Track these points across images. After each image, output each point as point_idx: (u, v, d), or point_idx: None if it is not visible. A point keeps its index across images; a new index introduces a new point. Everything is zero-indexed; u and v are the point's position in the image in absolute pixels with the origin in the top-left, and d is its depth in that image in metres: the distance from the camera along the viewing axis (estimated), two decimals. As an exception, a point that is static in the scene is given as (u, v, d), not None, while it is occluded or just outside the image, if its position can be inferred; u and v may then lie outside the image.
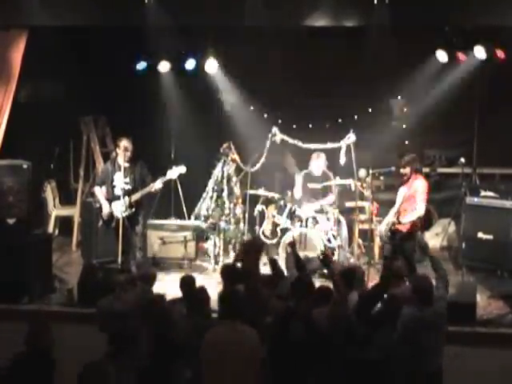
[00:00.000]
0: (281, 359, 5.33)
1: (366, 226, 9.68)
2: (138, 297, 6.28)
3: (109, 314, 6.05)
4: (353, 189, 9.42)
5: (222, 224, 9.70)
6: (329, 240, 9.26)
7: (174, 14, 8.81)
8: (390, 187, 10.01)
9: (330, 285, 8.42)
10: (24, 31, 9.20)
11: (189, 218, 10.17)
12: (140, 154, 9.00)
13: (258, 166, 9.61)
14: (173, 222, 10.13)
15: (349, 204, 9.82)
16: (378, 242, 9.86)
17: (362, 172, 9.51)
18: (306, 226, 9.30)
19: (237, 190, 9.88)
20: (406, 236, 8.19)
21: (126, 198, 8.71)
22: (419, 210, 8.16)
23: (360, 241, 9.90)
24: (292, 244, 7.25)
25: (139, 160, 8.94)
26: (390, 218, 8.36)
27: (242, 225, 9.82)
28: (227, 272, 6.46)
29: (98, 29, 9.35)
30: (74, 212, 10.79)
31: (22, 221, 8.86)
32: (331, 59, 10.12)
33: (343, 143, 9.31)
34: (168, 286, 8.14)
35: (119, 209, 8.72)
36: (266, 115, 10.84)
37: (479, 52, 9.58)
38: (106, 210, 8.79)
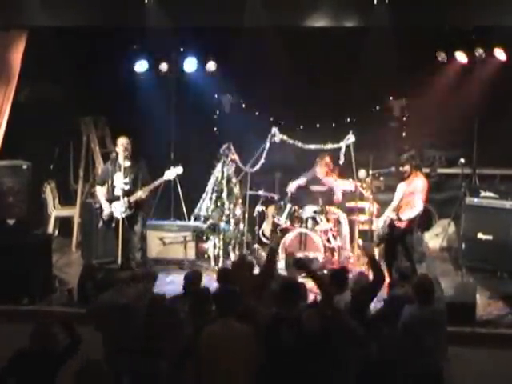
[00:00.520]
0: (276, 368, 5.30)
1: (366, 227, 9.68)
2: (139, 293, 6.27)
3: (111, 307, 6.03)
4: (353, 189, 9.43)
5: (222, 224, 9.69)
6: (329, 240, 9.26)
7: (174, 14, 8.81)
8: (390, 188, 9.97)
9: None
10: (24, 32, 9.20)
11: (189, 219, 10.17)
12: (140, 154, 9.01)
13: (258, 166, 9.62)
14: (173, 222, 10.13)
15: (349, 204, 9.82)
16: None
17: (362, 172, 9.50)
18: (306, 226, 9.30)
19: (236, 191, 9.88)
20: (404, 232, 8.27)
21: (126, 198, 8.72)
22: (418, 207, 8.23)
23: (360, 241, 9.90)
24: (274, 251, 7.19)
25: (141, 161, 8.96)
26: (390, 213, 8.38)
27: (241, 225, 9.82)
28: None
29: (98, 29, 9.34)
30: (74, 212, 10.78)
31: (21, 221, 8.87)
32: (331, 59, 10.11)
33: (343, 144, 9.32)
34: (168, 286, 8.14)
35: (119, 209, 8.73)
36: (265, 115, 10.83)
37: (479, 52, 9.58)
38: (106, 210, 8.80)
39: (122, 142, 8.82)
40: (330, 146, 9.54)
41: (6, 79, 9.23)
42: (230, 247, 9.82)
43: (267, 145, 9.57)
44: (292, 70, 10.25)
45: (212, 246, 9.70)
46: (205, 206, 9.86)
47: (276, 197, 10.03)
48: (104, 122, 11.01)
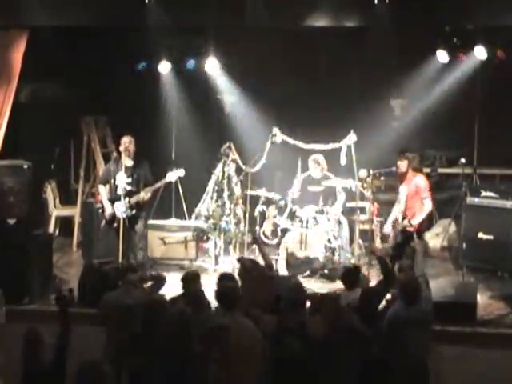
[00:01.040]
0: (281, 376, 5.29)
1: (366, 227, 9.68)
2: (144, 296, 6.28)
3: (117, 306, 6.04)
4: (353, 189, 9.42)
5: (223, 224, 9.69)
6: (329, 240, 9.25)
7: (175, 14, 8.82)
8: (391, 188, 9.99)
9: (330, 286, 8.53)
10: (24, 31, 9.19)
11: (189, 219, 10.17)
12: (141, 154, 9.02)
13: (259, 166, 9.61)
14: (173, 222, 10.13)
15: (349, 204, 9.82)
16: (378, 242, 9.87)
17: (363, 172, 9.50)
18: (307, 226, 9.30)
19: (237, 191, 9.87)
20: (416, 236, 8.27)
21: (128, 198, 8.72)
22: (427, 207, 8.30)
23: (360, 241, 9.89)
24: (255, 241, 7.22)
25: (144, 161, 8.96)
26: (397, 214, 8.38)
27: (242, 225, 9.81)
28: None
29: (99, 29, 9.35)
30: (75, 212, 10.79)
31: (22, 221, 8.84)
32: (331, 59, 10.12)
33: (344, 143, 9.31)
34: (168, 286, 8.12)
35: (120, 209, 8.73)
36: (266, 115, 10.82)
37: (479, 52, 9.58)
38: (109, 210, 8.81)
39: (124, 140, 8.84)
40: (330, 145, 9.53)
41: (7, 79, 9.23)
42: (231, 247, 9.82)
43: (268, 144, 9.57)
44: (292, 69, 10.26)
45: (213, 245, 9.70)
46: (205, 205, 9.86)
47: (277, 197, 10.02)
48: (105, 121, 11.02)
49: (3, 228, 8.73)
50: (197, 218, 9.92)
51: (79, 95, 10.46)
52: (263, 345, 5.22)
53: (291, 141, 9.58)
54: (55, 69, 10.02)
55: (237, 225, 9.80)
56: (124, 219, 8.70)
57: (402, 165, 8.52)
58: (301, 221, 9.38)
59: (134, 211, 8.80)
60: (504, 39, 9.24)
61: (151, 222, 9.85)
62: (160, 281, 6.75)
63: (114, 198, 8.83)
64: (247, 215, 9.71)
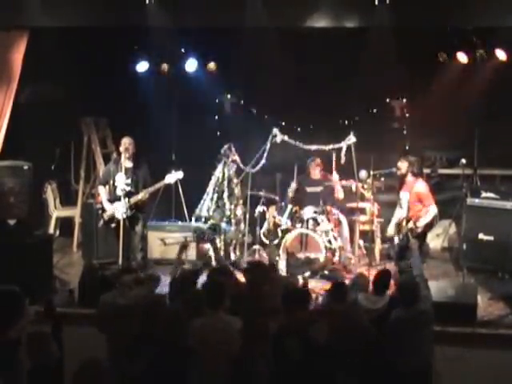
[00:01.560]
0: (283, 379, 5.30)
1: (366, 227, 9.68)
2: (141, 295, 6.28)
3: (112, 308, 6.04)
4: (353, 190, 9.43)
5: (223, 225, 9.69)
6: (329, 241, 9.25)
7: (175, 14, 8.82)
8: (391, 188, 10.00)
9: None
10: (25, 32, 9.20)
11: (189, 220, 10.16)
12: (141, 155, 9.02)
13: (259, 167, 9.61)
14: (173, 223, 10.13)
15: (350, 205, 9.82)
16: (378, 243, 9.87)
17: (363, 173, 9.50)
18: (307, 227, 9.30)
19: (237, 191, 9.88)
20: (420, 237, 8.32)
21: (127, 199, 8.73)
22: (432, 210, 8.41)
23: (361, 242, 9.89)
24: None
25: (144, 163, 8.97)
26: (400, 218, 8.40)
27: (242, 226, 9.81)
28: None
29: (99, 30, 9.35)
30: (75, 213, 10.79)
31: (22, 222, 8.85)
32: (332, 60, 10.10)
33: (344, 144, 9.31)
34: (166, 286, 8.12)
35: (120, 210, 8.74)
36: (266, 116, 10.83)
37: (480, 53, 9.58)
38: (108, 211, 8.82)
39: (124, 141, 8.85)
40: (331, 146, 9.53)
41: (7, 80, 9.23)
42: (231, 248, 9.82)
43: (268, 145, 9.57)
44: (292, 70, 10.25)
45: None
46: (206, 206, 9.86)
47: (277, 197, 10.01)
48: (105, 122, 11.03)
49: (3, 228, 8.73)
50: (197, 218, 9.92)
51: (79, 96, 10.44)
52: (238, 339, 5.26)
53: (291, 141, 9.58)
54: (55, 69, 10.01)
55: (237, 226, 9.80)
56: (124, 220, 8.70)
57: (402, 166, 8.54)
58: (301, 221, 9.37)
59: (133, 211, 8.81)
60: (504, 40, 9.23)
61: (151, 222, 9.86)
62: (155, 281, 6.75)
63: (113, 199, 8.84)
64: (247, 216, 9.72)
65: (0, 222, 8.70)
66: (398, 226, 8.55)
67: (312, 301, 6.33)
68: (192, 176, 9.64)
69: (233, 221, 9.80)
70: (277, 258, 9.14)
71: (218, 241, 9.65)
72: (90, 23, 9.11)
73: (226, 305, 5.55)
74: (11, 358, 4.67)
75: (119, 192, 8.78)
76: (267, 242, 9.85)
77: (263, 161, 9.54)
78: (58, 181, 11.16)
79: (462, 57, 9.97)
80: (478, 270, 9.11)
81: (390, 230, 8.68)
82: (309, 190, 9.67)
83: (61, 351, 5.06)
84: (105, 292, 6.50)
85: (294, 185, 9.70)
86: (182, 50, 10.44)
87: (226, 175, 9.79)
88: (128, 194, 8.77)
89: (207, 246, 9.86)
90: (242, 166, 9.81)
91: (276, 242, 9.61)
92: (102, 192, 8.96)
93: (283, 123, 10.23)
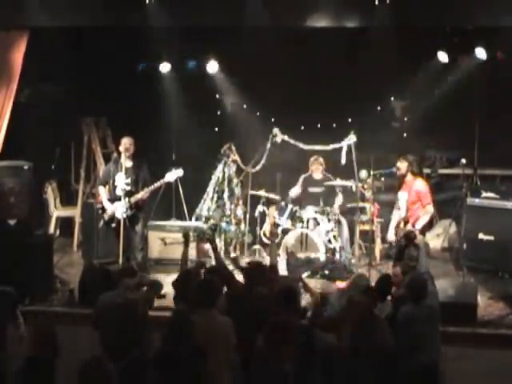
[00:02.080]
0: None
1: (366, 227, 9.68)
2: (140, 298, 6.29)
3: (108, 307, 6.04)
4: (354, 190, 9.43)
5: (223, 225, 9.70)
6: (330, 241, 9.25)
7: (175, 14, 8.81)
8: (391, 188, 9.99)
9: (333, 285, 8.52)
10: (25, 32, 9.19)
11: (190, 219, 10.16)
12: (141, 155, 9.02)
13: (259, 166, 9.62)
14: (174, 222, 10.13)
15: (350, 205, 9.82)
16: (378, 243, 9.88)
17: (363, 173, 9.51)
18: (307, 226, 9.30)
19: (238, 191, 9.89)
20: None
21: (127, 198, 8.73)
22: (429, 211, 8.42)
23: (361, 242, 9.89)
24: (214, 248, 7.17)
25: (143, 163, 8.98)
26: (398, 220, 8.40)
27: (242, 226, 9.82)
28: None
29: (99, 29, 9.35)
30: (75, 213, 10.79)
31: (22, 222, 8.85)
32: (332, 60, 10.10)
33: (344, 144, 9.32)
34: (168, 286, 8.11)
35: (120, 209, 8.74)
36: (266, 116, 10.83)
37: (480, 53, 9.58)
38: (108, 210, 8.83)
39: (124, 141, 8.86)
40: (331, 146, 9.54)
41: (7, 79, 9.23)
42: (231, 248, 9.83)
43: (268, 145, 9.57)
44: (293, 70, 10.25)
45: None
46: (206, 206, 9.87)
47: (277, 197, 10.02)
48: (105, 122, 11.03)
49: (4, 228, 8.73)
50: (197, 218, 9.93)
51: (80, 96, 10.44)
52: (233, 338, 5.27)
53: (291, 141, 9.57)
54: (55, 69, 10.02)
55: (237, 225, 9.80)
56: (124, 219, 8.71)
57: (402, 166, 8.55)
58: (301, 221, 9.38)
59: (133, 210, 8.81)
60: (504, 40, 9.22)
61: (152, 222, 9.86)
62: (157, 287, 6.76)
63: (113, 199, 8.85)
64: (247, 216, 9.72)
65: (0, 222, 8.70)
66: (397, 228, 8.55)
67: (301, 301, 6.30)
68: (192, 176, 9.65)
69: (233, 221, 9.80)
70: (277, 258, 9.13)
71: (218, 241, 9.65)
72: (90, 23, 9.11)
73: (221, 304, 5.53)
74: None
75: (119, 192, 8.79)
76: (267, 241, 9.85)
77: (263, 160, 9.55)
78: (58, 181, 11.16)
79: (461, 57, 9.96)
80: (478, 270, 9.11)
81: (390, 235, 8.69)
82: (311, 190, 9.68)
83: None
84: (105, 291, 6.50)
85: (298, 189, 9.69)
86: (182, 50, 10.43)
87: (227, 175, 9.79)
88: (128, 194, 8.77)
89: (207, 245, 9.87)
90: (242, 165, 9.82)
91: (276, 241, 9.61)
92: (102, 192, 8.98)
93: (283, 123, 10.22)
